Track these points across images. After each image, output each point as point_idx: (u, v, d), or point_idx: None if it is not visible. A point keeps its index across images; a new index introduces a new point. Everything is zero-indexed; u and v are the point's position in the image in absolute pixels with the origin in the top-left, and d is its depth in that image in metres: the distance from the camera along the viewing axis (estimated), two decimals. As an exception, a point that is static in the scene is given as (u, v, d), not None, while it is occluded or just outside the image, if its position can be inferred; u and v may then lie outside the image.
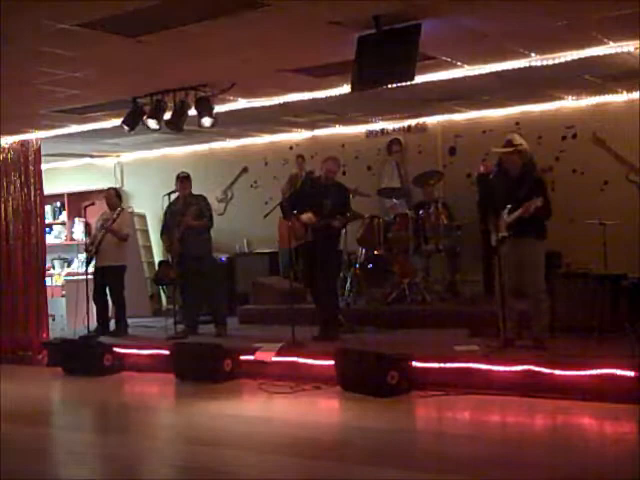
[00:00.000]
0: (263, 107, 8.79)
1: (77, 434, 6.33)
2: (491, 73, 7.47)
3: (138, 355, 8.73)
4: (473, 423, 6.09)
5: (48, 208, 12.98)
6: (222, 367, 7.73)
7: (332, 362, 7.18)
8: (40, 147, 10.34)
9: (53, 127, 9.82)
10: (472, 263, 9.70)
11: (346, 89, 7.72)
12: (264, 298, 10.36)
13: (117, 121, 8.88)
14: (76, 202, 13.47)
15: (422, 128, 10.91)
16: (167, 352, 8.31)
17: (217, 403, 6.92)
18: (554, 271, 8.06)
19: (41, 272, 10.43)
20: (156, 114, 7.99)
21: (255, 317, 10.19)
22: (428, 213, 9.50)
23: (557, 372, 6.33)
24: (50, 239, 13.00)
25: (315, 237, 8.14)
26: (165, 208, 9.36)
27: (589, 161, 9.31)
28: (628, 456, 4.84)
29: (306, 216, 8.17)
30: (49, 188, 11.23)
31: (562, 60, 6.98)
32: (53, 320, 11.25)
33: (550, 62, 7.05)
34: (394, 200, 10.18)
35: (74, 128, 9.91)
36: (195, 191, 9.35)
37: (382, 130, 11.18)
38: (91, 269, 9.90)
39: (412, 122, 10.90)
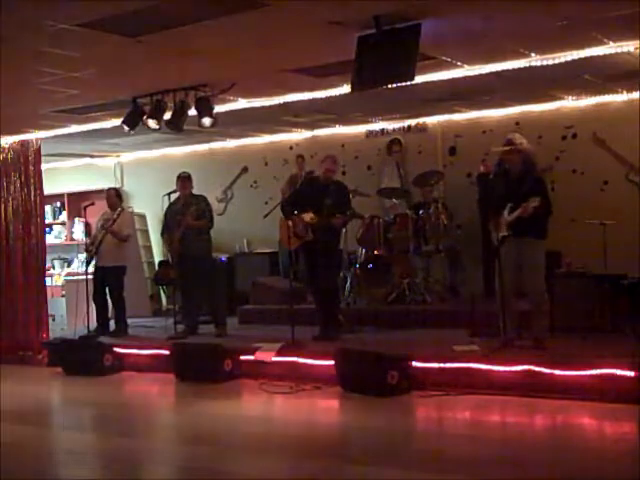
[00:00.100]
0: (263, 107, 8.79)
1: (77, 434, 6.33)
2: (491, 73, 7.47)
3: (138, 355, 8.72)
4: (473, 423, 6.09)
5: (48, 208, 12.98)
6: (222, 367, 7.72)
7: (332, 362, 7.17)
8: (40, 147, 10.33)
9: (53, 127, 9.82)
10: (472, 263, 9.70)
11: (346, 89, 7.72)
12: (264, 298, 10.36)
13: (117, 121, 8.88)
14: (76, 202, 13.46)
15: (422, 128, 10.91)
16: (167, 352, 8.30)
17: (217, 403, 6.92)
18: (554, 271, 8.06)
19: (41, 272, 10.43)
20: (156, 114, 8.00)
21: (255, 317, 10.19)
22: (428, 213, 9.50)
23: (557, 372, 6.33)
24: (50, 239, 13.00)
25: (315, 236, 8.14)
26: (165, 208, 9.36)
27: (589, 161, 9.31)
28: (628, 456, 4.84)
29: (306, 215, 8.17)
30: (49, 188, 11.22)
31: (562, 60, 6.98)
32: (53, 320, 11.24)
33: (550, 62, 7.05)
34: (394, 200, 10.18)
35: (74, 128, 9.91)
36: (195, 191, 9.34)
37: (382, 130, 11.18)
38: (91, 269, 9.90)
39: (412, 122, 10.90)
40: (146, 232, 12.85)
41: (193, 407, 6.86)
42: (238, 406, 6.91)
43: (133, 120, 8.24)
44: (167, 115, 8.07)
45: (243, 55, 6.78)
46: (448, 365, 6.81)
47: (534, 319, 7.10)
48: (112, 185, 11.69)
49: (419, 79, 6.70)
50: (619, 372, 6.09)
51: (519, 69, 7.25)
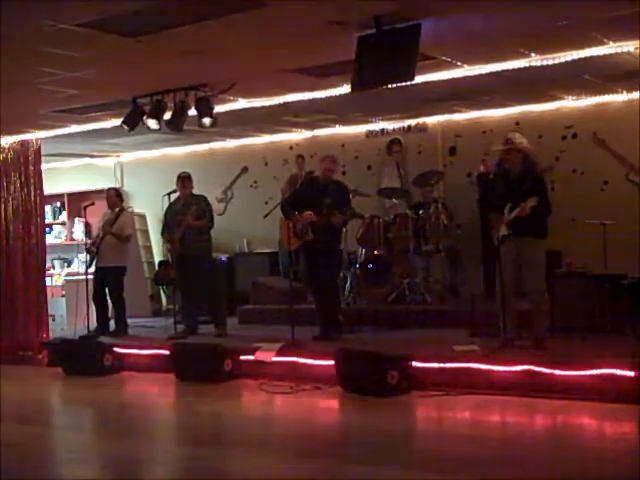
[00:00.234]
0: (263, 107, 8.79)
1: (77, 434, 6.33)
2: (491, 73, 7.48)
3: (138, 355, 8.72)
4: (473, 423, 6.09)
5: (48, 208, 12.98)
6: (222, 367, 7.72)
7: (332, 362, 7.17)
8: (40, 147, 10.34)
9: (53, 127, 9.82)
10: (472, 263, 9.71)
11: (346, 89, 7.72)
12: (264, 298, 10.36)
13: (117, 121, 8.88)
14: (76, 202, 13.46)
15: (422, 128, 10.91)
16: (167, 352, 8.30)
17: (217, 403, 6.92)
18: (554, 271, 8.06)
19: (41, 272, 10.43)
20: (156, 114, 7.99)
21: (255, 317, 10.18)
22: (428, 213, 9.50)
23: (557, 372, 6.33)
24: (50, 239, 12.99)
25: (315, 236, 8.14)
26: (165, 208, 9.36)
27: (589, 161, 9.31)
28: (628, 456, 4.84)
29: (306, 215, 8.17)
30: (49, 188, 11.22)
31: (562, 60, 6.99)
32: (53, 320, 11.25)
33: (550, 62, 7.05)
34: (394, 200, 10.18)
35: (74, 128, 9.91)
36: (195, 191, 9.34)
37: (382, 130, 11.18)
38: (91, 269, 9.90)
39: (412, 122, 10.90)
40: (146, 232, 12.85)
41: (193, 407, 6.86)
42: (238, 406, 6.91)
43: (133, 120, 8.24)
44: (167, 115, 8.07)
45: (243, 55, 6.78)
46: (448, 365, 6.81)
47: (534, 319, 7.10)
48: (112, 185, 11.69)
49: (419, 79, 6.71)
50: (619, 372, 6.09)
51: (519, 69, 7.25)
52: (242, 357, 7.86)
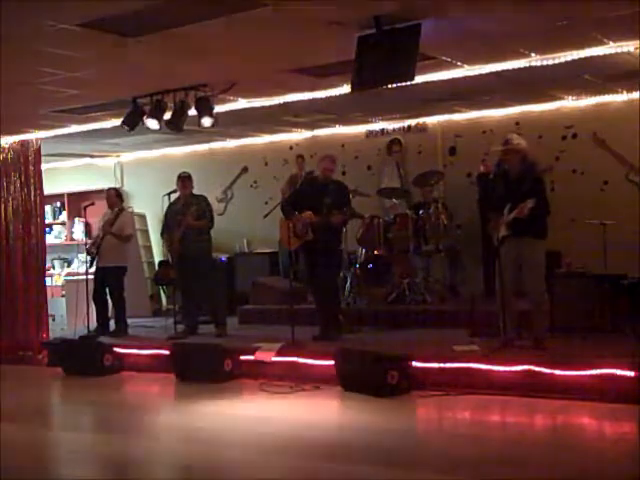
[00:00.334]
0: (263, 107, 8.79)
1: (77, 434, 6.33)
2: (491, 73, 7.47)
3: (138, 355, 8.72)
4: (473, 423, 6.09)
5: (48, 208, 12.99)
6: (222, 367, 7.73)
7: (332, 362, 7.18)
8: (40, 147, 10.34)
9: (53, 127, 9.82)
10: (472, 263, 9.71)
11: (346, 89, 7.72)
12: (264, 298, 10.36)
13: (117, 121, 8.88)
14: (76, 202, 13.47)
15: (422, 128, 10.91)
16: (167, 352, 8.30)
17: (217, 403, 6.92)
18: (554, 271, 8.06)
19: (41, 272, 10.44)
20: (156, 114, 7.99)
21: (255, 317, 10.18)
22: (428, 213, 9.50)
23: (557, 372, 6.34)
24: (50, 239, 13.00)
25: (315, 236, 8.14)
26: (165, 208, 9.36)
27: (589, 161, 9.31)
28: (628, 456, 4.85)
29: (306, 215, 8.17)
30: (49, 188, 11.23)
31: (562, 60, 6.99)
32: (53, 320, 11.25)
33: (550, 62, 7.05)
34: (394, 200, 10.18)
35: (74, 128, 9.91)
36: (195, 191, 9.34)
37: (382, 130, 11.18)
38: (92, 269, 9.90)
39: (412, 122, 10.90)
40: (146, 232, 12.85)
41: (193, 407, 6.86)
42: (238, 406, 6.90)
43: (133, 120, 8.24)
44: (167, 115, 8.07)
45: (243, 55, 6.78)
46: (448, 365, 6.81)
47: (534, 319, 7.10)
48: (112, 185, 11.69)
49: (419, 79, 6.70)
50: (619, 372, 6.09)
51: (519, 69, 7.25)
52: (242, 357, 7.86)
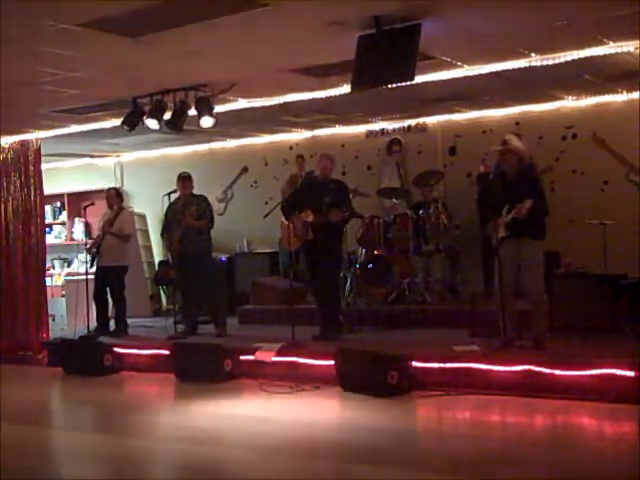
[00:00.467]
0: (263, 107, 8.78)
1: (77, 434, 6.33)
2: (491, 73, 7.47)
3: (138, 355, 8.72)
4: (473, 423, 6.10)
5: (48, 208, 12.98)
6: (222, 367, 7.73)
7: (332, 362, 7.18)
8: (40, 147, 10.34)
9: (53, 127, 9.82)
10: (472, 263, 9.71)
11: (346, 89, 7.72)
12: (264, 298, 10.36)
13: (117, 121, 8.87)
14: (76, 202, 13.46)
15: (422, 128, 10.91)
16: (167, 352, 8.31)
17: (217, 403, 6.92)
18: (554, 271, 8.06)
19: (41, 272, 10.43)
20: (156, 114, 7.99)
21: (255, 317, 10.19)
22: (428, 213, 9.50)
23: (557, 372, 6.34)
24: (50, 239, 13.00)
25: (315, 236, 8.14)
26: (165, 208, 9.37)
27: (589, 161, 9.31)
28: (628, 456, 4.85)
29: (305, 215, 8.17)
30: (49, 188, 11.23)
31: (562, 60, 6.98)
32: (53, 320, 11.24)
33: (550, 62, 7.04)
34: (394, 200, 10.18)
35: (74, 128, 9.91)
36: (195, 191, 9.34)
37: (382, 130, 11.18)
38: (92, 269, 9.91)
39: (412, 122, 10.90)
40: (146, 232, 12.85)
41: (193, 407, 6.86)
42: (238, 406, 6.90)
43: (133, 120, 8.23)
44: (167, 115, 8.07)
45: (243, 55, 6.78)
46: (448, 365, 6.82)
47: (533, 319, 7.10)
48: (112, 185, 11.68)
49: (419, 79, 6.70)
50: (619, 372, 6.09)
51: (519, 69, 7.25)
52: (242, 357, 7.87)
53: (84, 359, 8.68)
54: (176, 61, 6.86)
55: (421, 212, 9.57)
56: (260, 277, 10.84)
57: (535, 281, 6.99)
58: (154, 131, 8.39)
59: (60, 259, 13.93)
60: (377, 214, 9.91)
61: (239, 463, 5.10)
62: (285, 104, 8.72)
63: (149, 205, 12.41)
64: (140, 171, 13.13)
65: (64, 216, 13.90)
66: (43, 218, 10.69)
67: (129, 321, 9.89)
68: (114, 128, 9.50)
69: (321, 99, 8.47)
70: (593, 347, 6.92)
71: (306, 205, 8.22)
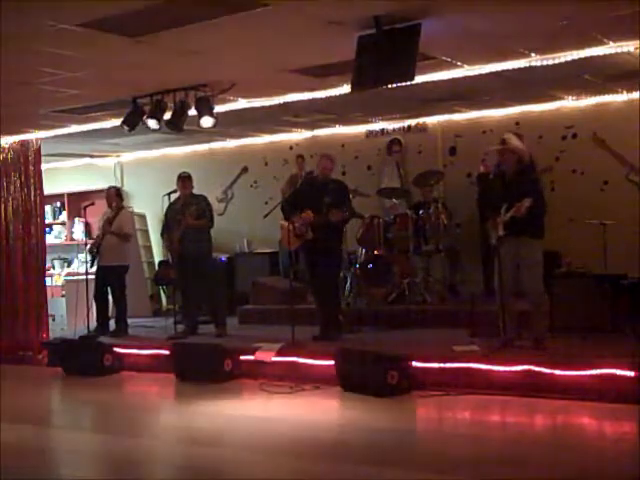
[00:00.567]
0: (263, 107, 8.78)
1: (77, 434, 6.34)
2: (491, 73, 7.47)
3: (138, 355, 8.72)
4: (473, 423, 6.10)
5: (48, 208, 12.98)
6: (222, 367, 7.73)
7: (332, 362, 7.18)
8: (40, 147, 10.34)
9: (53, 127, 9.82)
10: (472, 263, 9.71)
11: (346, 89, 7.72)
12: (264, 298, 10.36)
13: (117, 121, 8.87)
14: (76, 202, 13.46)
15: (422, 128, 10.91)
16: (167, 352, 8.31)
17: (217, 403, 6.92)
18: (554, 271, 8.06)
19: (41, 272, 10.43)
20: (156, 114, 7.99)
21: (255, 317, 10.19)
22: (428, 213, 9.50)
23: (557, 372, 6.34)
24: (50, 239, 12.99)
25: (315, 235, 8.14)
26: (165, 208, 9.37)
27: (589, 161, 9.31)
28: (628, 456, 4.85)
29: (305, 215, 8.18)
30: (49, 188, 11.23)
31: (562, 60, 6.98)
32: (53, 320, 11.24)
33: (550, 62, 7.04)
34: (394, 200, 10.18)
35: (74, 128, 9.90)
36: (195, 191, 9.35)
37: (382, 130, 11.18)
38: (92, 269, 9.90)
39: (412, 122, 10.90)
40: (146, 232, 12.85)
41: (193, 407, 6.86)
42: (238, 406, 6.90)
43: (133, 120, 8.23)
44: (167, 115, 8.07)
45: (243, 55, 6.78)
46: (448, 365, 6.82)
47: (533, 319, 7.10)
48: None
49: (419, 79, 6.70)
50: (619, 372, 6.09)
51: (519, 69, 7.25)
52: (242, 357, 7.87)
53: (84, 359, 8.67)
54: (176, 61, 6.86)
55: (421, 212, 9.57)
56: (260, 277, 10.84)
57: (534, 280, 6.98)
58: (154, 131, 8.38)
59: (60, 259, 13.93)
60: (377, 214, 9.90)
61: (239, 463, 5.10)
62: (285, 104, 8.72)
63: (149, 205, 12.41)
64: (140, 171, 13.13)
65: (64, 216, 13.90)
66: (43, 218, 10.69)
67: (129, 321, 9.89)
68: (114, 128, 9.49)
69: (321, 99, 8.47)
70: (593, 347, 6.92)
71: (306, 205, 8.22)
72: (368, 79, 6.23)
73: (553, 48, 6.84)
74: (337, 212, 8.03)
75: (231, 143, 12.21)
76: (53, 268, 13.62)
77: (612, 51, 6.84)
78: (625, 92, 9.25)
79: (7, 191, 10.28)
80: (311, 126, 11.11)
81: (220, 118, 8.17)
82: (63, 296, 12.14)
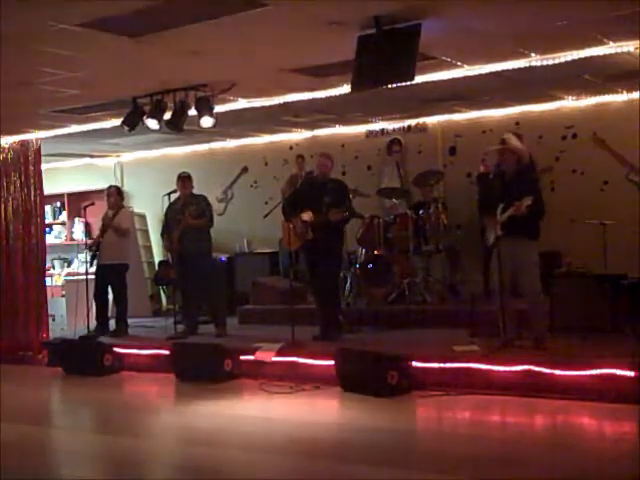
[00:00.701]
0: (263, 107, 8.79)
1: (77, 434, 6.34)
2: (491, 73, 7.47)
3: (138, 355, 8.72)
4: (473, 423, 6.09)
5: (48, 208, 12.98)
6: (222, 367, 7.73)
7: (332, 362, 7.18)
8: (40, 147, 10.34)
9: (53, 127, 9.82)
10: (472, 263, 9.70)
11: (346, 89, 7.72)
12: (264, 298, 10.36)
13: (117, 121, 8.88)
14: (76, 202, 13.46)
15: (422, 128, 10.91)
16: (167, 352, 8.31)
17: (217, 403, 6.92)
18: (554, 271, 8.06)
19: (41, 272, 10.43)
20: (156, 114, 7.99)
21: (255, 317, 10.19)
22: (428, 213, 9.50)
23: (557, 372, 6.34)
24: (50, 239, 12.99)
25: (316, 235, 8.13)
26: (165, 208, 9.37)
27: (589, 161, 9.31)
28: (628, 456, 4.84)
29: (305, 214, 8.18)
30: (49, 188, 11.23)
31: (562, 60, 6.98)
32: (53, 320, 11.25)
33: (550, 62, 7.04)
34: (394, 200, 10.18)
35: (74, 128, 9.91)
36: (195, 191, 9.35)
37: (382, 130, 11.18)
38: (92, 269, 9.90)
39: (412, 122, 10.90)
40: (146, 232, 12.85)
41: (193, 407, 6.86)
42: (238, 406, 6.90)
43: (133, 120, 8.24)
44: (167, 115, 8.07)
45: (243, 55, 6.78)
46: (448, 365, 6.81)
47: (532, 319, 7.10)
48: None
49: (419, 79, 6.70)
50: (619, 372, 6.09)
51: (519, 69, 7.25)
52: (242, 357, 7.86)
53: (84, 359, 8.68)
54: (176, 61, 6.86)
55: (421, 212, 9.57)
56: (260, 277, 10.84)
57: (532, 281, 6.98)
58: (154, 131, 8.39)
59: (60, 259, 13.93)
60: (377, 214, 9.91)
61: (239, 463, 5.10)
62: (285, 104, 8.72)
63: (149, 205, 12.41)
64: (140, 171, 13.13)
65: (64, 216, 13.90)
66: (43, 218, 10.69)
67: (129, 321, 9.88)
68: (114, 128, 9.50)
69: (321, 99, 8.47)
70: (593, 347, 6.92)
71: (306, 205, 8.22)
72: (368, 79, 6.23)
73: (553, 48, 6.84)
74: (337, 212, 8.03)
75: (231, 143, 12.21)
76: (53, 268, 13.62)
77: (612, 51, 6.84)
78: (625, 92, 9.25)
79: (7, 191, 10.28)
80: (311, 126, 11.11)
81: (220, 118, 8.18)
82: (63, 296, 12.14)
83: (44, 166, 10.68)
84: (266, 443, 5.50)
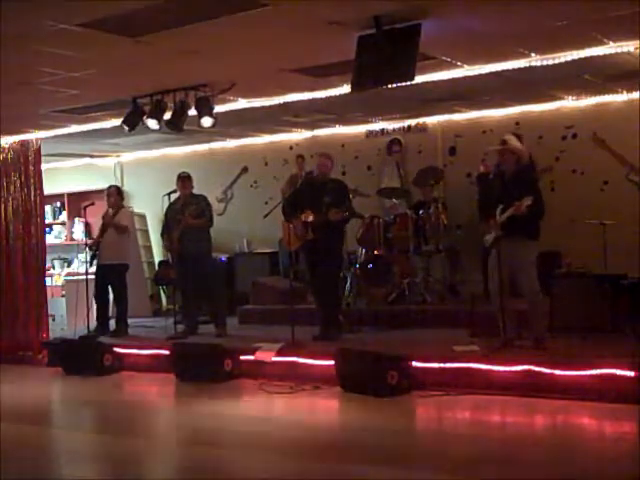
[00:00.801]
0: (263, 107, 8.79)
1: (77, 434, 6.34)
2: (491, 73, 7.47)
3: (138, 355, 8.72)
4: (473, 423, 6.10)
5: (48, 208, 12.98)
6: (222, 367, 7.73)
7: (332, 362, 7.18)
8: (40, 147, 10.34)
9: (53, 127, 9.82)
10: (472, 263, 9.70)
11: (346, 89, 7.72)
12: (264, 298, 10.36)
13: (117, 121, 8.88)
14: (76, 202, 13.46)
15: (422, 128, 10.91)
16: (167, 352, 8.31)
17: (217, 403, 6.92)
18: (554, 271, 8.06)
19: (41, 272, 10.43)
20: (156, 114, 7.99)
21: (255, 317, 10.19)
22: (428, 213, 9.50)
23: (557, 372, 6.33)
24: (50, 239, 12.99)
25: (316, 235, 8.13)
26: (165, 208, 9.37)
27: (589, 161, 9.31)
28: (628, 456, 4.84)
29: (305, 215, 8.18)
30: (49, 188, 11.22)
31: (562, 60, 6.98)
32: (53, 320, 11.24)
33: (550, 62, 7.04)
34: (394, 200, 10.18)
35: (74, 128, 9.91)
36: (195, 191, 9.35)
37: (382, 130, 11.18)
38: (92, 269, 9.90)
39: (412, 122, 10.90)
40: (146, 232, 12.85)
41: (193, 407, 6.86)
42: (238, 406, 6.91)
43: (133, 120, 8.24)
44: (167, 115, 8.07)
45: (243, 55, 6.78)
46: (448, 365, 6.81)
47: (532, 319, 7.10)
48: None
49: (419, 79, 6.70)
50: (619, 372, 6.09)
51: (519, 69, 7.25)
52: (242, 357, 7.87)
53: (84, 359, 8.68)
54: (176, 61, 6.86)
55: (421, 212, 9.57)
56: (260, 277, 10.84)
57: (530, 281, 6.98)
58: (154, 131, 8.39)
59: (60, 259, 13.93)
60: (377, 214, 9.91)
61: (239, 463, 5.10)
62: (285, 104, 8.72)
63: (149, 205, 12.41)
64: (140, 171, 13.13)
65: (64, 216, 13.90)
66: (43, 218, 10.69)
67: (129, 321, 9.88)
68: (114, 128, 9.50)
69: (321, 99, 8.47)
70: (593, 347, 6.92)
71: (306, 205, 8.22)
72: (368, 79, 6.23)
73: (553, 48, 6.84)
74: (337, 212, 8.03)
75: (231, 143, 12.21)
76: (53, 268, 13.62)
77: (612, 51, 6.84)
78: (625, 92, 9.25)
79: (7, 191, 10.27)
80: (311, 126, 11.11)
81: (220, 118, 8.18)
82: (63, 296, 12.13)
83: (44, 166, 10.67)
84: (266, 443, 5.50)
